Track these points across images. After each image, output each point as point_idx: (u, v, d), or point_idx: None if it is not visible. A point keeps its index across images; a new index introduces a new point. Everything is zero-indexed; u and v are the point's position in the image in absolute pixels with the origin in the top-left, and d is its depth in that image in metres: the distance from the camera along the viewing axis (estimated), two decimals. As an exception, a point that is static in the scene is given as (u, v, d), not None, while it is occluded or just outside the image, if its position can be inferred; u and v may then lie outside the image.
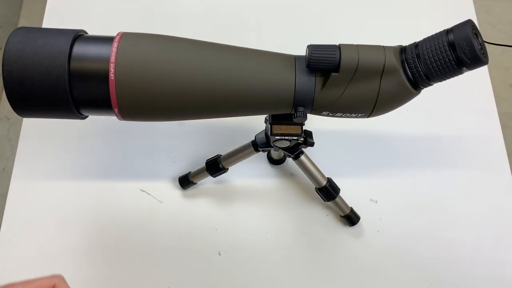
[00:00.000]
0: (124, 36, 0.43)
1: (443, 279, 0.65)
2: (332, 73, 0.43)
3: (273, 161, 0.71)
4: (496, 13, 1.67)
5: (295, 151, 0.59)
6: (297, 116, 0.45)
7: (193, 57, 0.43)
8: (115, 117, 0.45)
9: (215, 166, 0.64)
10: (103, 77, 0.41)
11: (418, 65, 0.42)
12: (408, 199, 0.69)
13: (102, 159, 0.70)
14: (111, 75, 0.41)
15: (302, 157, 0.61)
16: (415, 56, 0.42)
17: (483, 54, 0.40)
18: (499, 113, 0.76)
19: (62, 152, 0.70)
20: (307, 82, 0.44)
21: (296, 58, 0.45)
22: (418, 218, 0.68)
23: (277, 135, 0.51)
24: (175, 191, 0.69)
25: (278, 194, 0.69)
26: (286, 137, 0.52)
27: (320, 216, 0.68)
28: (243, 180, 0.70)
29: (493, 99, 0.77)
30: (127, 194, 0.68)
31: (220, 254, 0.65)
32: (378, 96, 0.43)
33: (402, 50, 0.43)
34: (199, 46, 0.44)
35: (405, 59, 0.42)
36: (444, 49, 0.40)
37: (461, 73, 0.41)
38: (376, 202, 0.69)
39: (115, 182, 0.69)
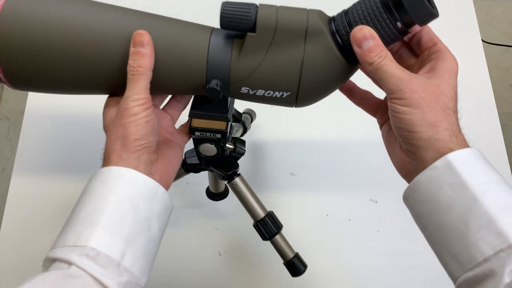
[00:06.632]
0: None
1: (443, 279, 0.65)
2: (249, 33, 0.38)
3: (212, 196, 0.60)
4: (496, 13, 1.67)
5: (229, 170, 0.49)
6: (209, 88, 0.38)
7: (87, 16, 0.39)
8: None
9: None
10: None
11: (349, 31, 0.37)
12: (408, 199, 0.69)
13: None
14: None
15: (237, 180, 0.51)
16: (345, 23, 0.37)
17: (432, 6, 0.35)
18: (499, 113, 0.75)
19: (62, 152, 0.70)
20: (222, 47, 0.39)
21: (214, 28, 0.41)
22: (418, 218, 0.68)
23: (197, 129, 0.44)
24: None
25: (278, 194, 0.69)
26: (208, 133, 0.44)
27: (320, 216, 0.68)
28: (243, 180, 0.70)
29: (493, 99, 0.76)
30: (127, 194, 0.68)
31: (220, 254, 0.65)
32: (302, 64, 0.38)
33: (331, 20, 0.39)
34: (101, 6, 0.40)
35: (335, 27, 0.38)
36: (376, 6, 0.36)
37: (399, 34, 0.37)
38: (376, 202, 0.69)
39: (115, 182, 0.69)
